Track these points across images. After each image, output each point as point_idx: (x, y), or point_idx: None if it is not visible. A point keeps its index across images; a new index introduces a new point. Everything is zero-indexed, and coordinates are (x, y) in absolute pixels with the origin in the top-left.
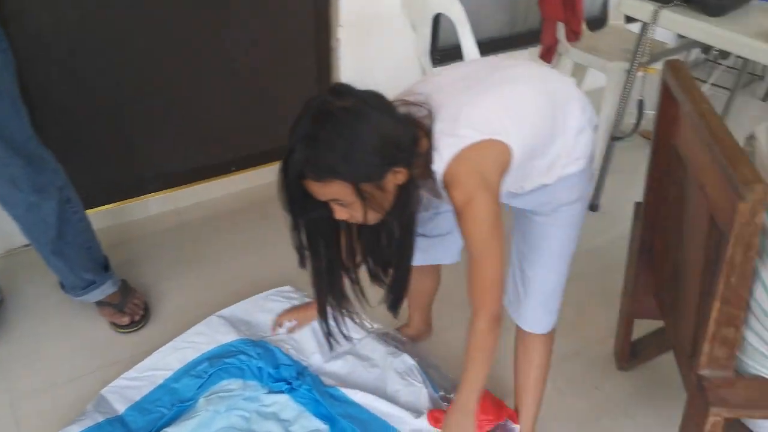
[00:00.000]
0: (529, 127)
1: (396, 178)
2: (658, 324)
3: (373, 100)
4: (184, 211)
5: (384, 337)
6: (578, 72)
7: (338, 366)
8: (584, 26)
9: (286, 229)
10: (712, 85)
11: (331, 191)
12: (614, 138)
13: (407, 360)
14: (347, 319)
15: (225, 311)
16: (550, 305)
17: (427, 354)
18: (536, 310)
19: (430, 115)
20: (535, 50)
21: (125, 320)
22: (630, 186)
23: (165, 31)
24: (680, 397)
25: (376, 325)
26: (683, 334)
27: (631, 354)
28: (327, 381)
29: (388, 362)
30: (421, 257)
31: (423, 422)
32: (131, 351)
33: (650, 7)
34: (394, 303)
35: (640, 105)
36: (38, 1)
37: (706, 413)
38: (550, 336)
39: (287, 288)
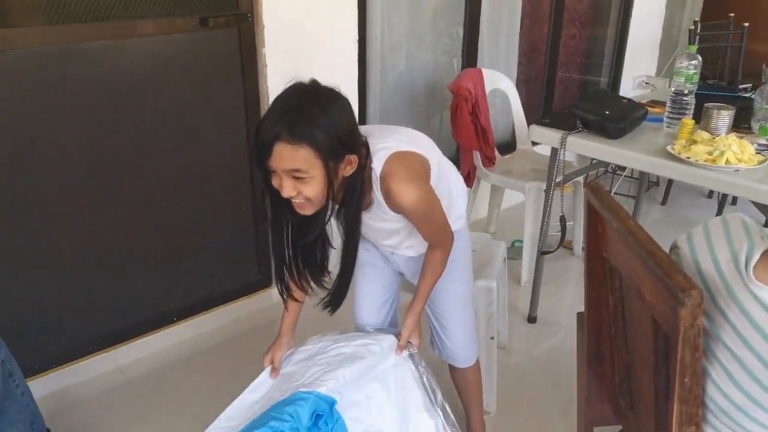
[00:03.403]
0: (435, 158)
1: (349, 166)
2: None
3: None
4: (128, 369)
5: (422, 375)
6: (496, 192)
7: (363, 396)
8: (496, 152)
9: (231, 376)
10: (615, 193)
11: (298, 157)
12: (543, 252)
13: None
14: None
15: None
16: (468, 342)
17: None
18: (460, 349)
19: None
20: None
21: None
22: (562, 295)
23: (93, 188)
24: None
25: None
26: None
27: None
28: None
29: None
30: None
31: None
32: None
33: (557, 135)
34: (334, 303)
35: (563, 221)
36: None
37: None
38: (477, 364)
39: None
